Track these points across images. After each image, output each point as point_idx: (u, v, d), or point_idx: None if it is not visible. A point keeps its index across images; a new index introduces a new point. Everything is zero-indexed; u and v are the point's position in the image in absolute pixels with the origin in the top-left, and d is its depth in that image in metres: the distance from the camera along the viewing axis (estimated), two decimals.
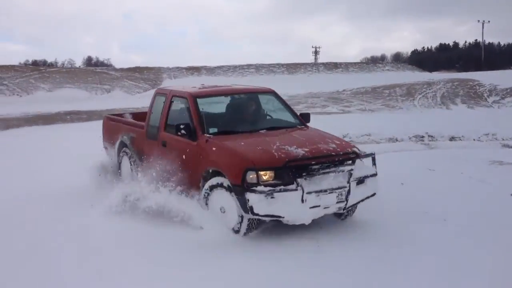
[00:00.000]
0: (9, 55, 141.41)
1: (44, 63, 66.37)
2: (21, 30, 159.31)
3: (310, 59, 71.30)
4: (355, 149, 5.93)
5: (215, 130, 6.27)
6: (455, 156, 10.91)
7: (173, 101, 6.95)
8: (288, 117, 7.00)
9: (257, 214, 5.34)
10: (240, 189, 5.36)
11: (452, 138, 14.00)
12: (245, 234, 5.67)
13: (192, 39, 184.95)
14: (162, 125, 6.90)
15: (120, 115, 9.08)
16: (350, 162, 5.71)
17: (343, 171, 5.60)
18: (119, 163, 8.12)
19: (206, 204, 5.89)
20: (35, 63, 62.12)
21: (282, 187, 5.29)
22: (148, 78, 37.82)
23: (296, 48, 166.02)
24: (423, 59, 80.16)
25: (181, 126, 6.18)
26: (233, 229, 5.69)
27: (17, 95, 30.62)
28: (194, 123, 6.29)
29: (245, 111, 6.88)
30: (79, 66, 58.50)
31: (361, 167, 5.84)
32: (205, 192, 5.87)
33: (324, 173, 5.49)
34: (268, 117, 7.02)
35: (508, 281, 4.71)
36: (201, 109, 6.49)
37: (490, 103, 23.39)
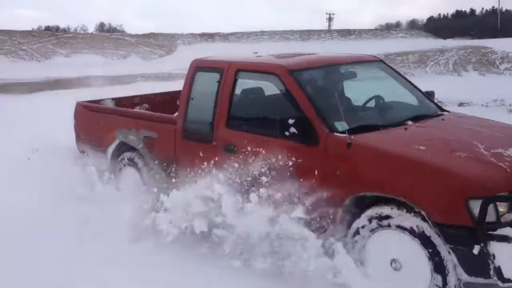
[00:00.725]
0: (21, 21, 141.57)
1: (57, 29, 66.62)
2: None
3: (324, 25, 70.80)
4: None
5: (345, 125, 3.96)
6: None
7: (238, 79, 4.60)
8: (415, 100, 4.88)
9: (508, 280, 3.16)
10: (466, 233, 3.17)
11: (460, 104, 14.48)
12: None
13: (204, 4, 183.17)
14: (222, 118, 4.52)
15: (97, 101, 6.37)
16: None
17: None
18: (116, 175, 5.70)
19: (356, 253, 3.71)
20: (48, 29, 62.42)
21: None
22: (162, 45, 38.16)
23: (309, 15, 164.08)
24: (439, 26, 79.09)
25: (290, 122, 3.89)
26: None
27: (36, 60, 31.27)
28: (309, 116, 3.94)
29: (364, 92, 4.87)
30: (92, 32, 58.89)
31: None
32: (356, 233, 3.69)
33: None
34: (394, 100, 4.81)
35: None
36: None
37: (502, 70, 23.66)
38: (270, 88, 4.60)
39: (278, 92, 4.42)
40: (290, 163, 3.91)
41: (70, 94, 17.25)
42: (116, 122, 5.68)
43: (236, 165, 4.19)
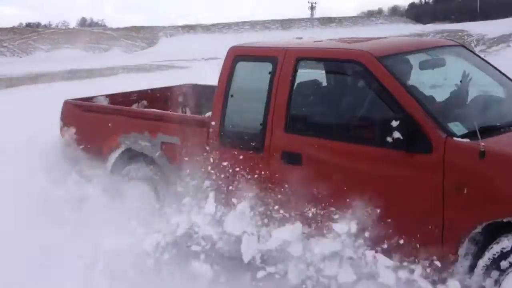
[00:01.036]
0: (2, 18, 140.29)
1: (38, 25, 66.27)
2: None
3: (306, 14, 71.25)
4: None
5: (461, 127, 3.07)
6: None
7: (298, 70, 3.59)
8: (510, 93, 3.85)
9: None
10: None
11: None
12: None
13: None
14: (279, 120, 3.56)
15: (89, 99, 5.13)
16: None
17: None
18: (119, 191, 4.52)
19: None
20: (29, 26, 62.06)
21: None
22: (144, 37, 38.35)
23: (293, 4, 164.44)
24: (420, 12, 79.81)
25: (394, 125, 2.91)
26: None
27: (17, 56, 31.37)
28: (415, 115, 2.99)
29: (463, 82, 3.72)
30: (73, 28, 58.80)
31: None
32: (488, 271, 2.78)
33: None
34: (486, 93, 3.84)
35: None
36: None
37: (477, 52, 24.19)
38: (328, 80, 3.81)
39: (355, 85, 3.55)
40: (386, 178, 3.04)
41: (51, 88, 17.54)
42: (121, 124, 4.47)
43: (302, 179, 3.28)
